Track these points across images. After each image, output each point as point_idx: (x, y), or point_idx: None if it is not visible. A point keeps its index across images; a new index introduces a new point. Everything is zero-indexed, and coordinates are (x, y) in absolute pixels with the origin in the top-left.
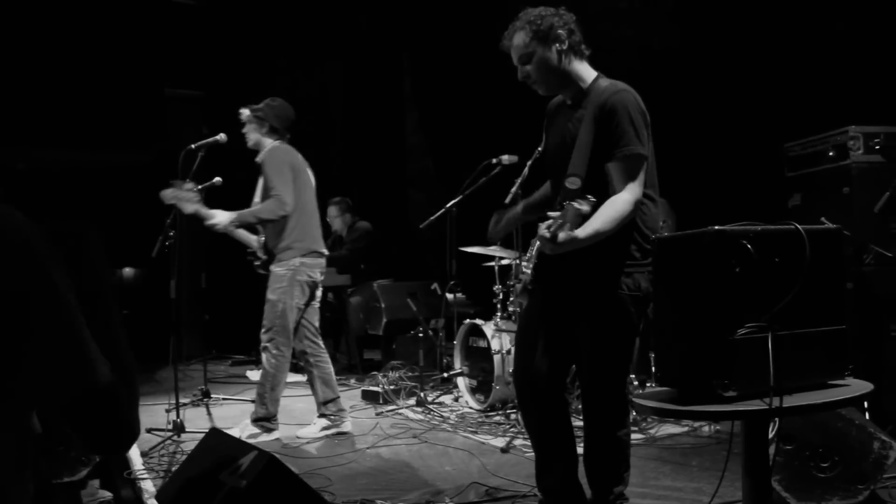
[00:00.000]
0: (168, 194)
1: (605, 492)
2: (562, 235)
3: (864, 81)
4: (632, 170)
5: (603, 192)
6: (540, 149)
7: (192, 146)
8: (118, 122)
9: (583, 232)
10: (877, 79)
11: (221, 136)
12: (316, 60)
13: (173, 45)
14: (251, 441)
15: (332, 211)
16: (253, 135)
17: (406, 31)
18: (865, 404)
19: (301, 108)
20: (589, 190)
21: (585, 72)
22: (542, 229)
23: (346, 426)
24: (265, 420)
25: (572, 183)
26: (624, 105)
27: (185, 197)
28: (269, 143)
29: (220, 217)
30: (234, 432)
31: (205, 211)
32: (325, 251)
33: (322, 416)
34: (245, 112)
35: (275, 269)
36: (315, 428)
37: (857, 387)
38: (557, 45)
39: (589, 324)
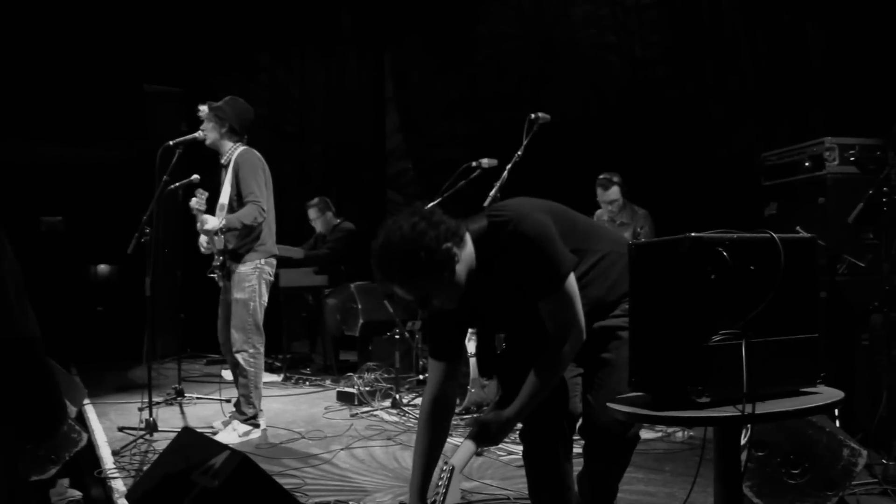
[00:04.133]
0: (195, 204)
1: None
2: (494, 435)
3: (841, 94)
4: (565, 299)
5: (538, 331)
6: (520, 152)
7: (171, 143)
8: (96, 117)
9: (513, 411)
10: (853, 91)
11: (200, 133)
12: (297, 58)
13: (153, 41)
14: (245, 439)
15: (312, 213)
16: (212, 134)
17: (389, 33)
18: (836, 412)
19: (281, 106)
20: (526, 337)
21: (469, 246)
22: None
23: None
24: (253, 418)
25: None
26: (529, 238)
27: (201, 206)
28: (229, 143)
29: (212, 222)
30: (227, 434)
31: (203, 217)
32: (278, 254)
33: (236, 417)
34: (203, 108)
35: (241, 268)
36: (235, 434)
37: (828, 395)
38: (447, 265)
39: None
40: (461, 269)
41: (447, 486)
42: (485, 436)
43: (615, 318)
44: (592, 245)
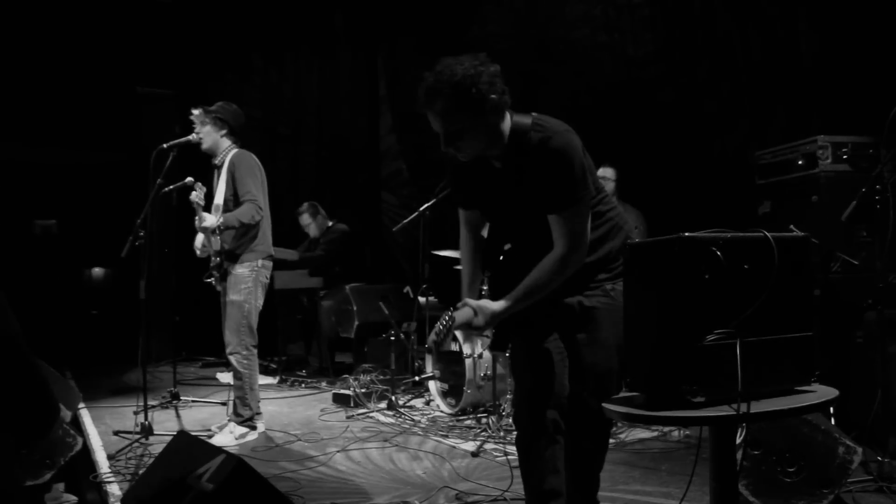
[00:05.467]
0: (195, 198)
1: (592, 499)
2: (479, 319)
3: (834, 92)
4: (575, 218)
5: (541, 245)
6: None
7: (165, 145)
8: (89, 120)
9: (504, 304)
10: (845, 90)
11: (194, 136)
12: (290, 60)
13: (146, 43)
14: (242, 441)
15: (304, 218)
16: (210, 137)
17: (382, 34)
18: (831, 410)
19: (274, 108)
20: (526, 244)
21: (507, 124)
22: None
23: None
24: (250, 420)
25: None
26: (565, 152)
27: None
28: (225, 145)
29: (210, 220)
30: (224, 437)
31: (201, 214)
32: (274, 255)
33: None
34: (197, 112)
35: (238, 270)
36: (231, 436)
37: (822, 393)
38: (490, 115)
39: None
40: (493, 127)
41: (446, 329)
42: (476, 319)
43: (594, 298)
44: (602, 206)
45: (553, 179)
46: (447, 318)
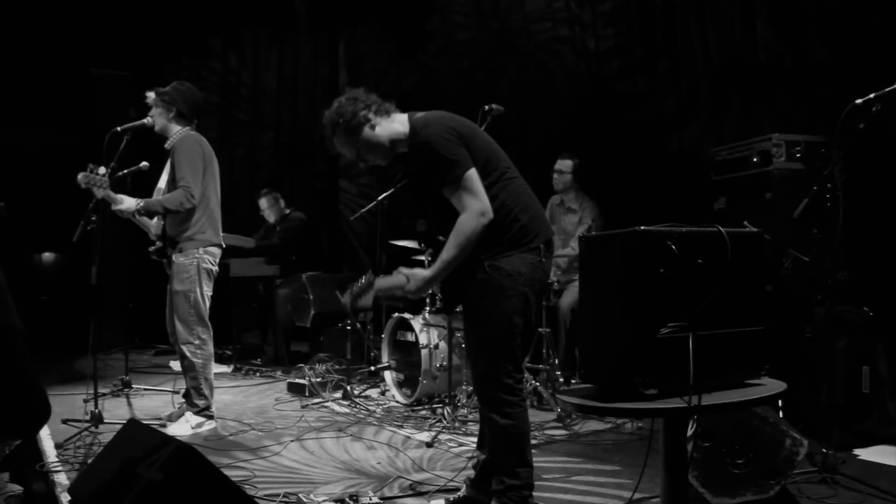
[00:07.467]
0: (81, 178)
1: (496, 480)
2: (412, 284)
3: (788, 91)
4: (461, 190)
5: (452, 219)
6: None
7: (118, 128)
8: (41, 101)
9: (431, 270)
10: (800, 89)
11: (148, 119)
12: (250, 45)
13: (101, 23)
14: (198, 430)
15: (265, 202)
16: (160, 119)
17: (343, 20)
18: (779, 403)
19: (233, 93)
20: (440, 222)
21: (400, 122)
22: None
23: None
24: (206, 409)
25: (420, 225)
26: (427, 143)
27: (96, 181)
28: (176, 128)
29: (128, 203)
30: (180, 426)
31: (113, 195)
32: (223, 244)
33: (188, 409)
34: (151, 95)
35: (178, 259)
36: (187, 426)
37: (771, 386)
38: (367, 126)
39: (468, 303)
40: (381, 133)
41: (363, 289)
42: (408, 284)
43: (475, 276)
44: (494, 189)
45: (427, 166)
46: (364, 278)
